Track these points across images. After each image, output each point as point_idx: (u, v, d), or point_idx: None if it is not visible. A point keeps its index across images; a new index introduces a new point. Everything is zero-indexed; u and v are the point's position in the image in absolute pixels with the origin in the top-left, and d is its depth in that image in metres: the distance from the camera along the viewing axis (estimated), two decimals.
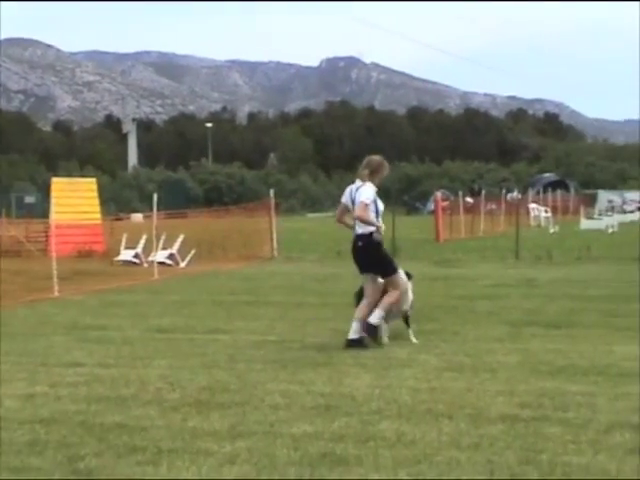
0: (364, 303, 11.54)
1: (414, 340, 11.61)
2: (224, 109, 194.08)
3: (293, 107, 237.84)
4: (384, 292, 11.57)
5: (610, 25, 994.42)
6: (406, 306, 11.79)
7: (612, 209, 68.53)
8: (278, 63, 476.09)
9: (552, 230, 46.10)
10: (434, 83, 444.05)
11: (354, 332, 11.34)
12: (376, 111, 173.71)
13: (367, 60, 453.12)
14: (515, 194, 60.99)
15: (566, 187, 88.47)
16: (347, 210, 11.80)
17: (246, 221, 32.68)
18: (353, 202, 11.50)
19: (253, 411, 7.98)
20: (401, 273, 11.78)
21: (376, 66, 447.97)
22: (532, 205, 57.51)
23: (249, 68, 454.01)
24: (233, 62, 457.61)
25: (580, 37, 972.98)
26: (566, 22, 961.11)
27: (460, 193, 50.06)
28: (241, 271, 24.18)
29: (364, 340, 11.31)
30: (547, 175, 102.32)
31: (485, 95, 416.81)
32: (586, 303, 15.60)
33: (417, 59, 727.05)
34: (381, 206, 11.74)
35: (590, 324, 13.07)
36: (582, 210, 57.63)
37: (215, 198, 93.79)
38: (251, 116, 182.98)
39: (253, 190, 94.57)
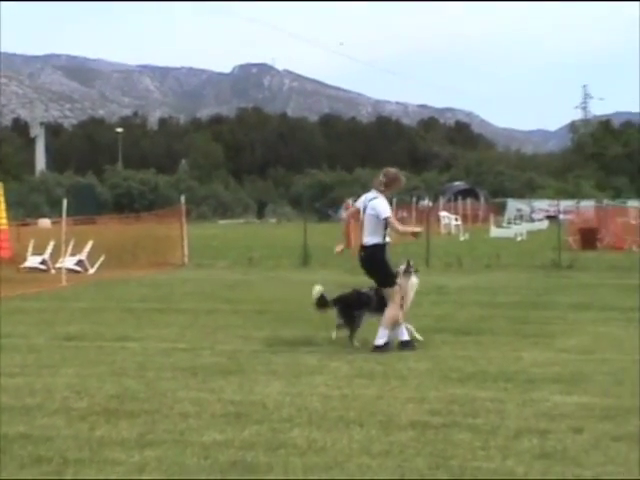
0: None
1: (419, 337, 12.14)
2: (135, 114, 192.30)
3: (205, 113, 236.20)
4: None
5: (519, 36, 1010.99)
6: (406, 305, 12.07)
7: (521, 218, 69.48)
8: (190, 69, 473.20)
9: (462, 238, 46.62)
10: (346, 91, 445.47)
11: (402, 333, 11.81)
12: (288, 118, 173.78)
13: (280, 67, 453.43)
14: (426, 202, 61.47)
15: (476, 196, 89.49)
16: (358, 214, 12.27)
17: (157, 227, 32.38)
18: (364, 210, 11.97)
19: (163, 419, 7.90)
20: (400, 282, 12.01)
21: (289, 73, 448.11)
22: (443, 213, 58.06)
23: (161, 73, 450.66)
24: (144, 67, 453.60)
25: (489, 47, 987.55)
26: (476, 32, 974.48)
27: None
28: (151, 278, 23.96)
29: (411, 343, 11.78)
30: (457, 183, 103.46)
31: (397, 104, 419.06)
32: (495, 310, 15.76)
33: (330, 67, 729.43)
34: None
35: (499, 331, 13.21)
36: (492, 218, 58.32)
37: (126, 204, 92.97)
38: (162, 121, 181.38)
39: (164, 196, 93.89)
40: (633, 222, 39.80)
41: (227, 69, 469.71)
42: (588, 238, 35.56)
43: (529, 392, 8.91)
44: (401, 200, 61.37)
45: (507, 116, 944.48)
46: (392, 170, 12.30)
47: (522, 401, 8.51)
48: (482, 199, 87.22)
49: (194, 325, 14.10)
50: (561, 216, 40.96)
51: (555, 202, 56.69)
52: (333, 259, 30.00)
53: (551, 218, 65.20)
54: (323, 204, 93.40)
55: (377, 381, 9.54)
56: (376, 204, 11.86)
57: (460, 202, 70.28)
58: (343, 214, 55.57)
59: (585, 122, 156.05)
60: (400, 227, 12.22)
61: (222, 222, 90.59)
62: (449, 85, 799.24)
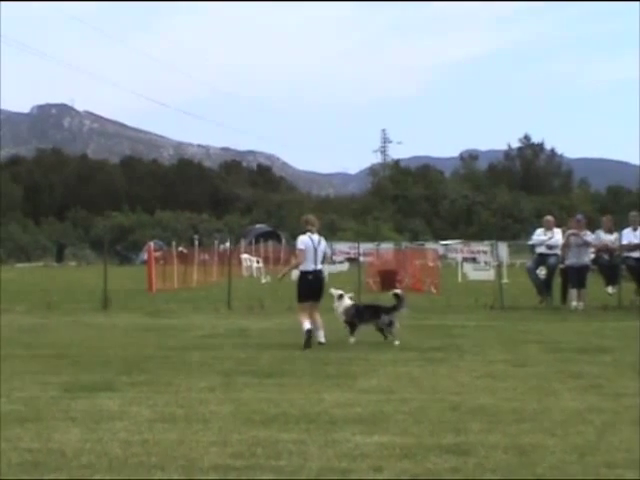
0: (310, 318, 17.16)
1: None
2: None
3: (3, 154, 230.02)
4: None
5: (315, 79, 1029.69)
6: None
7: (322, 260, 70.29)
8: None
9: (264, 280, 46.79)
10: (148, 133, 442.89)
11: (323, 337, 17.04)
12: (88, 160, 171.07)
13: (80, 108, 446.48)
14: (227, 244, 61.59)
15: (278, 238, 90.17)
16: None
17: None
18: (314, 246, 17.99)
19: None
20: None
21: (89, 114, 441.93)
22: (244, 256, 58.19)
23: None
24: None
25: (288, 90, 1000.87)
26: (272, 74, 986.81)
27: (174, 243, 50.05)
28: None
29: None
30: (259, 226, 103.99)
31: (199, 146, 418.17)
32: (297, 352, 15.88)
33: (131, 108, 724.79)
34: None
35: (301, 373, 13.30)
36: (293, 261, 58.73)
37: None
38: None
39: None
40: (431, 264, 40.87)
41: (25, 109, 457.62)
42: (388, 280, 36.22)
43: (331, 433, 9.00)
44: (203, 243, 61.40)
45: (308, 159, 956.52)
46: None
47: (324, 442, 8.58)
48: (284, 241, 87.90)
49: None
50: (361, 258, 41.67)
51: (355, 244, 57.59)
52: (133, 302, 29.70)
53: (352, 260, 66.33)
54: (124, 247, 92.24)
55: (179, 425, 9.45)
56: (323, 241, 18.06)
57: (262, 244, 70.63)
58: (144, 256, 55.05)
59: (384, 165, 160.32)
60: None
61: (19, 265, 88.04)
62: (251, 128, 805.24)
